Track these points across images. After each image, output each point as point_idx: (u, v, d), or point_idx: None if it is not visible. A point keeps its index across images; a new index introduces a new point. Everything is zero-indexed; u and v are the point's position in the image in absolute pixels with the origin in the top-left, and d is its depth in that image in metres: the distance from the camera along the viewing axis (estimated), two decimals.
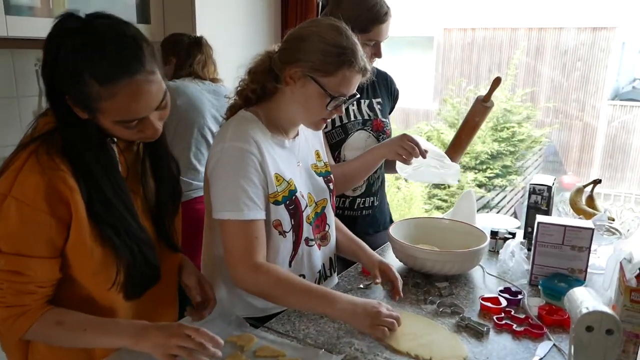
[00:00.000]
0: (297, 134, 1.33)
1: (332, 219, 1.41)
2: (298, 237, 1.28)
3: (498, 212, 6.91)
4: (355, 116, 1.68)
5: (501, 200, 7.37)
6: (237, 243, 1.17)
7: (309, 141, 1.39)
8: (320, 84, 1.17)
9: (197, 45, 2.25)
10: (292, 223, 1.26)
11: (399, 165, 1.58)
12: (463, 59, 10.19)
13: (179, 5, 2.48)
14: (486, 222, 1.92)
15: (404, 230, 1.63)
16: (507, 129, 7.39)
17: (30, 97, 2.40)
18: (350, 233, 1.49)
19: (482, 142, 7.36)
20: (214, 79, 2.25)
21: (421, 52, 10.78)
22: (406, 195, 7.02)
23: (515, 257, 1.53)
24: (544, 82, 9.11)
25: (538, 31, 9.11)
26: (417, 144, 1.47)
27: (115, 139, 1.04)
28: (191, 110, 2.12)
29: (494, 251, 1.68)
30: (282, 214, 1.23)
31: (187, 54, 2.23)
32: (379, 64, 1.72)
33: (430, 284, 1.45)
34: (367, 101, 1.71)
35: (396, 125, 10.51)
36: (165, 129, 2.12)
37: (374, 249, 1.46)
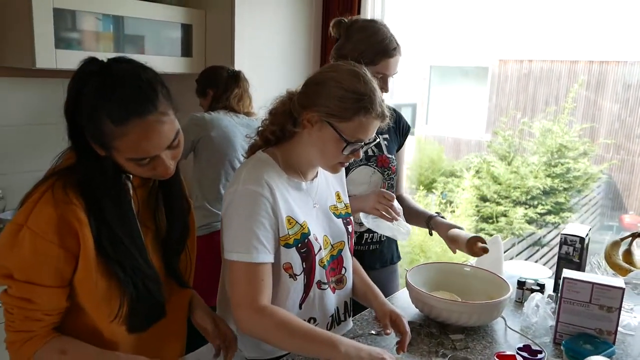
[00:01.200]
0: (316, 176, 1.33)
1: (349, 262, 1.39)
2: (310, 280, 1.27)
3: (550, 251, 6.61)
4: None
5: (553, 238, 7.05)
6: (242, 285, 1.17)
7: (330, 182, 1.39)
8: (336, 129, 1.17)
9: (235, 79, 2.31)
10: (304, 266, 1.25)
11: (361, 213, 1.61)
12: (518, 90, 9.95)
13: (219, 39, 2.56)
14: (516, 269, 1.83)
15: (423, 275, 1.58)
16: (562, 164, 7.11)
17: None
18: (366, 277, 1.45)
19: (534, 177, 7.10)
20: (248, 113, 2.30)
21: (475, 83, 10.62)
22: None
23: (539, 311, 1.45)
24: (604, 117, 8.72)
25: (599, 64, 8.77)
26: (391, 206, 1.51)
27: (131, 176, 1.07)
28: (224, 142, 2.17)
29: (521, 302, 1.60)
30: (293, 256, 1.23)
31: (225, 87, 2.29)
32: (394, 96, 1.73)
33: (445, 334, 1.39)
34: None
35: (447, 154, 10.36)
36: (198, 159, 2.21)
37: (380, 284, 1.44)
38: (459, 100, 10.85)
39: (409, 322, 1.43)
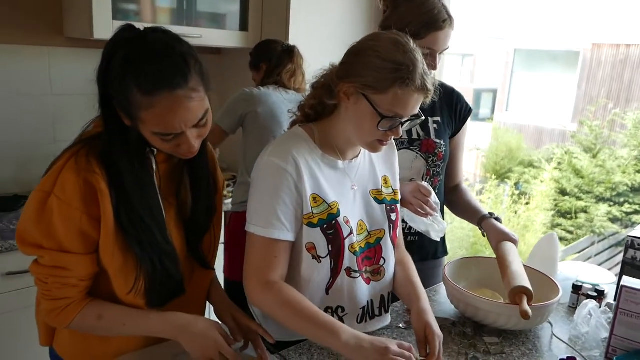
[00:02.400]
0: (357, 156, 1.25)
1: (389, 253, 1.29)
2: (337, 265, 1.19)
3: None
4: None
5: None
6: (256, 258, 1.14)
7: (377, 165, 1.29)
8: (371, 102, 1.08)
9: (289, 54, 2.24)
10: (330, 249, 1.18)
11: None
12: (612, 78, 9.19)
13: (276, 14, 2.50)
14: (575, 271, 1.65)
15: (464, 270, 1.46)
16: None
17: None
18: (414, 275, 1.31)
19: (622, 172, 6.54)
20: (299, 89, 2.23)
21: (563, 68, 9.92)
22: (525, 221, 6.48)
23: (592, 321, 1.29)
24: None
25: None
26: (427, 201, 1.39)
27: (155, 150, 1.05)
28: (270, 118, 2.12)
29: (574, 308, 1.43)
30: (316, 237, 1.16)
31: (278, 62, 2.23)
32: (450, 80, 1.58)
33: (480, 336, 1.27)
34: (413, 113, 1.58)
35: (527, 143, 9.78)
36: (245, 135, 2.18)
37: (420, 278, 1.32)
38: (543, 87, 10.17)
39: (443, 319, 1.33)
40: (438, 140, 1.56)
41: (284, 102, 2.16)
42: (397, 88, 1.06)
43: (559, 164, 7.35)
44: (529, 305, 1.23)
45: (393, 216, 1.28)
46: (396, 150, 1.36)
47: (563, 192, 7.09)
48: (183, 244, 1.13)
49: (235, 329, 1.17)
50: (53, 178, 0.97)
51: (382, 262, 1.27)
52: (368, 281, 1.25)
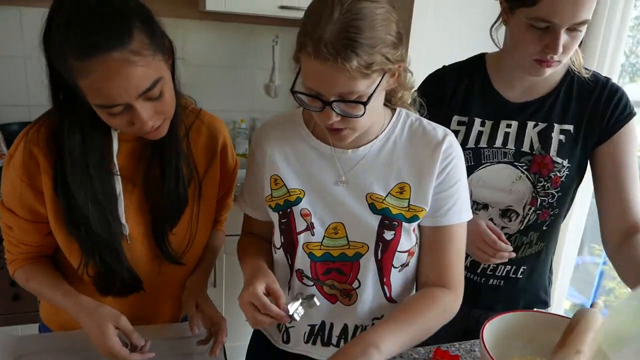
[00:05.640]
0: (359, 147, 0.99)
1: (369, 277, 1.01)
2: (292, 263, 1.03)
3: None
4: (503, 142, 1.16)
5: None
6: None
7: (396, 166, 0.98)
8: (296, 78, 0.90)
9: None
10: (282, 241, 1.02)
11: None
12: None
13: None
14: None
15: (518, 326, 1.06)
16: None
17: (264, 70, 2.59)
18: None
19: None
20: None
21: None
22: None
23: None
24: None
25: None
26: (494, 254, 1.09)
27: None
28: None
29: None
30: (275, 223, 1.04)
31: None
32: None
33: None
34: (540, 125, 1.15)
35: None
36: None
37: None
38: None
39: None
40: (559, 160, 1.14)
41: None
42: (300, 55, 0.85)
43: None
44: None
45: (388, 234, 0.98)
46: (445, 156, 0.97)
47: None
48: (146, 232, 1.03)
49: (194, 318, 1.04)
50: (16, 144, 0.96)
51: (356, 284, 1.01)
52: (333, 299, 1.02)
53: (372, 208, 0.98)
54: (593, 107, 1.13)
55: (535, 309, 1.11)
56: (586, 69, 1.16)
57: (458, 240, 1.00)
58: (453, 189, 0.98)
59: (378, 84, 0.85)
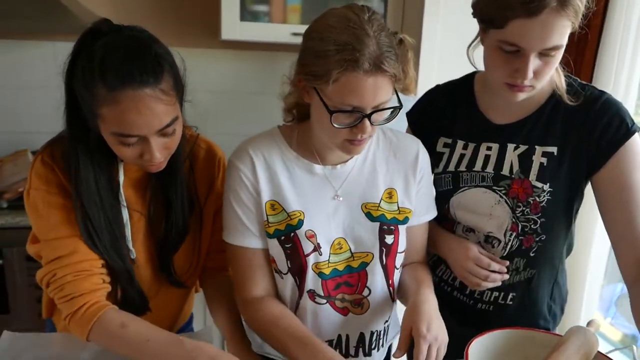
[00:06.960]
0: (346, 162, 1.04)
1: (378, 282, 1.06)
2: (302, 284, 1.04)
3: None
4: (483, 166, 1.12)
5: None
6: (236, 271, 1.07)
7: (380, 175, 1.05)
8: (320, 94, 0.90)
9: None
10: (289, 265, 1.02)
11: None
12: None
13: (415, 13, 2.26)
14: None
15: (503, 345, 1.05)
16: None
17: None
18: (419, 268, 1.13)
19: None
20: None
21: None
22: None
23: None
24: None
25: None
26: (485, 277, 1.08)
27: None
28: None
29: None
30: (275, 249, 1.03)
31: None
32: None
33: None
34: (521, 147, 1.10)
35: None
36: None
37: None
38: None
39: None
40: (539, 185, 1.07)
41: None
42: (341, 74, 0.84)
43: None
44: None
45: (389, 239, 1.03)
46: (422, 160, 1.08)
47: None
48: (152, 258, 1.09)
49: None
50: (28, 178, 1.00)
51: (366, 292, 1.04)
52: (345, 312, 1.05)
53: (369, 216, 1.03)
54: (580, 126, 1.05)
55: (518, 327, 1.06)
56: (584, 83, 1.09)
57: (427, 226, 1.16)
58: (429, 188, 1.12)
59: (395, 89, 0.92)
